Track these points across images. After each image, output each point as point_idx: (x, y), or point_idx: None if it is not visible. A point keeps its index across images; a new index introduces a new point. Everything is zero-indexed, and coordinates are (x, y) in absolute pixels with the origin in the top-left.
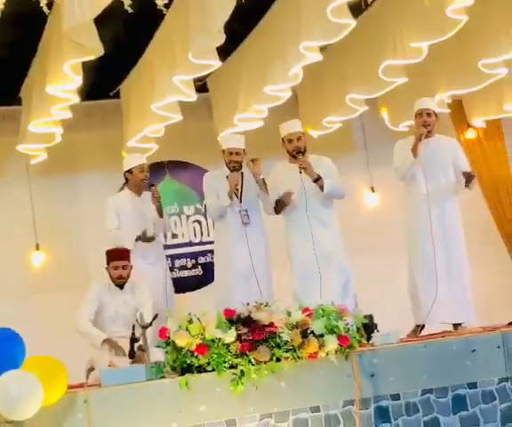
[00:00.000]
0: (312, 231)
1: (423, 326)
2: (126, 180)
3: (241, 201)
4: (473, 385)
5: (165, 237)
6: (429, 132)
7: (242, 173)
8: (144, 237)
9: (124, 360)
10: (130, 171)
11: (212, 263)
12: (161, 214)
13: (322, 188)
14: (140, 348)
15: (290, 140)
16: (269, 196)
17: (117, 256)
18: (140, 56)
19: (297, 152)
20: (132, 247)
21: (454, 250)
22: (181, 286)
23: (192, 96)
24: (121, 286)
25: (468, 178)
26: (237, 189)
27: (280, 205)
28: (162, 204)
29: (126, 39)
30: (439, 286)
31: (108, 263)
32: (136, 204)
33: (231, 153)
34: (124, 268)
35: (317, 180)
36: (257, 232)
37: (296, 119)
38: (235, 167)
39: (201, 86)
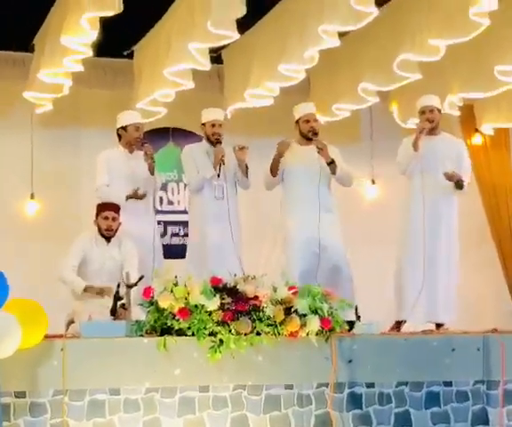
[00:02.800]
0: (320, 211)
1: (403, 322)
2: (119, 136)
3: (219, 176)
4: (448, 384)
5: (154, 199)
6: (433, 129)
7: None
8: (135, 196)
9: (104, 315)
10: (124, 128)
11: None
12: (152, 172)
13: (334, 171)
14: (122, 306)
15: (307, 121)
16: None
17: (108, 207)
18: (158, 19)
19: (312, 133)
20: (122, 204)
21: (446, 249)
22: (171, 252)
23: (206, 65)
24: (108, 240)
25: (449, 179)
26: (223, 163)
27: (275, 161)
28: (154, 162)
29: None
30: (425, 282)
31: (97, 215)
32: (128, 161)
33: (213, 125)
34: (113, 219)
35: (331, 162)
36: (231, 208)
37: (311, 102)
38: (218, 139)
39: (215, 57)
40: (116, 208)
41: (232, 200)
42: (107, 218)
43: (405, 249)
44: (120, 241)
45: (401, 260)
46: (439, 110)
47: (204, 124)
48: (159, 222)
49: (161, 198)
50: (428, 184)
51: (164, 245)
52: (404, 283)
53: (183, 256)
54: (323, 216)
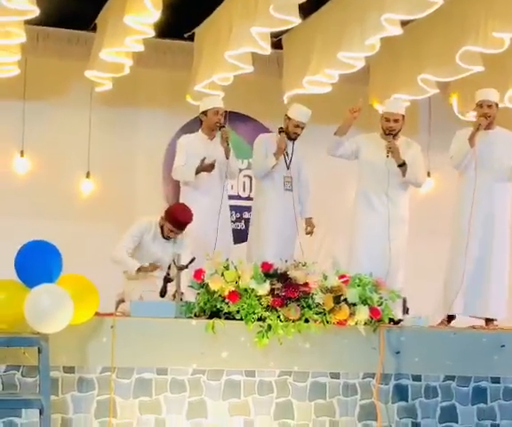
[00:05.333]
0: (389, 211)
1: (453, 317)
2: (201, 122)
3: (288, 168)
4: (496, 380)
5: (224, 185)
6: (489, 124)
7: (293, 142)
8: (204, 167)
9: (154, 296)
10: (205, 113)
11: None
12: (227, 156)
13: (404, 173)
14: (173, 296)
15: (387, 119)
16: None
17: (178, 226)
18: (220, 2)
19: (389, 133)
20: (192, 180)
21: (496, 244)
22: None
23: (267, 50)
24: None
25: None
26: (286, 154)
27: (342, 130)
28: (230, 146)
29: None
30: (466, 276)
31: (165, 219)
32: (207, 146)
33: (298, 126)
34: (176, 233)
35: (401, 165)
36: (295, 199)
37: (400, 101)
38: (296, 137)
39: (276, 43)
40: (183, 226)
41: (294, 193)
42: (172, 231)
43: (454, 245)
44: (176, 238)
45: (451, 255)
46: (497, 105)
47: (288, 118)
48: None
49: None
50: (482, 180)
51: None
52: (453, 278)
53: (234, 242)
54: (392, 212)
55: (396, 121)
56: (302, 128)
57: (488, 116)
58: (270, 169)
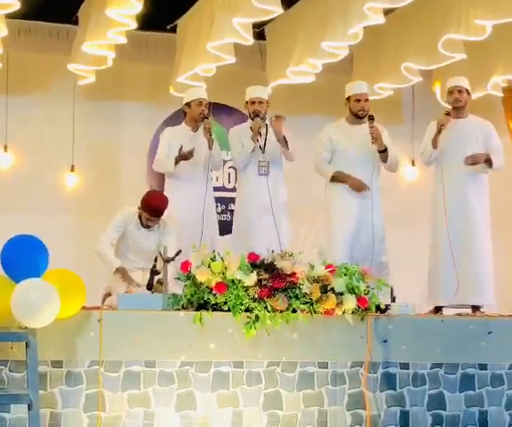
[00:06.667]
0: (373, 199)
1: (441, 309)
2: (184, 114)
3: (263, 152)
4: (483, 367)
5: (207, 176)
6: (461, 112)
7: (266, 125)
8: (183, 156)
9: (139, 290)
10: (188, 104)
11: None
12: (210, 147)
13: (386, 159)
14: (158, 281)
15: (358, 100)
16: (321, 153)
17: (154, 213)
18: None
19: (362, 113)
20: (171, 170)
21: (475, 232)
22: None
23: (249, 40)
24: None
25: (472, 163)
26: (260, 135)
27: (340, 180)
28: (213, 137)
29: None
30: (456, 267)
31: (142, 208)
32: (190, 138)
33: (254, 102)
34: (154, 222)
35: (383, 151)
36: (277, 184)
37: (364, 82)
38: (256, 115)
39: (259, 33)
40: (161, 213)
41: (273, 178)
42: (149, 219)
43: (434, 236)
44: (159, 225)
45: (431, 247)
46: (468, 91)
47: (247, 103)
48: None
49: None
50: (453, 170)
51: None
52: (433, 269)
53: (220, 233)
54: (375, 200)
55: (366, 100)
56: (260, 102)
57: (459, 101)
58: (250, 154)
